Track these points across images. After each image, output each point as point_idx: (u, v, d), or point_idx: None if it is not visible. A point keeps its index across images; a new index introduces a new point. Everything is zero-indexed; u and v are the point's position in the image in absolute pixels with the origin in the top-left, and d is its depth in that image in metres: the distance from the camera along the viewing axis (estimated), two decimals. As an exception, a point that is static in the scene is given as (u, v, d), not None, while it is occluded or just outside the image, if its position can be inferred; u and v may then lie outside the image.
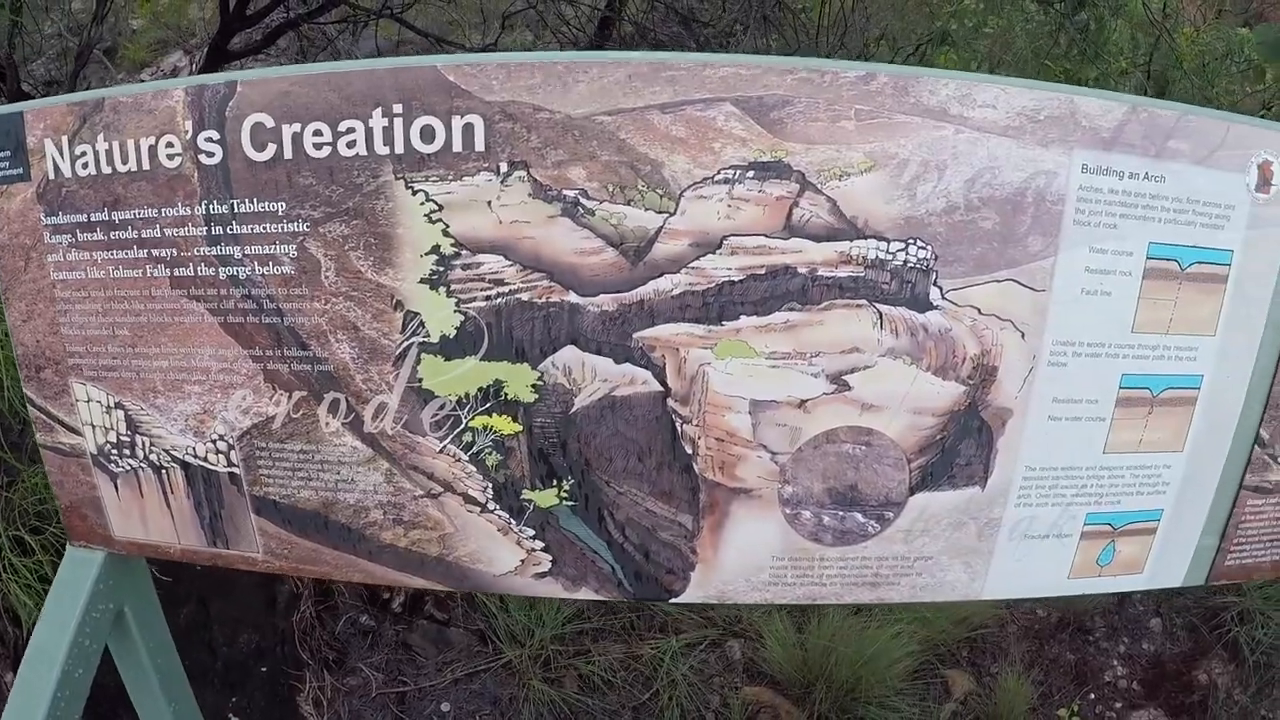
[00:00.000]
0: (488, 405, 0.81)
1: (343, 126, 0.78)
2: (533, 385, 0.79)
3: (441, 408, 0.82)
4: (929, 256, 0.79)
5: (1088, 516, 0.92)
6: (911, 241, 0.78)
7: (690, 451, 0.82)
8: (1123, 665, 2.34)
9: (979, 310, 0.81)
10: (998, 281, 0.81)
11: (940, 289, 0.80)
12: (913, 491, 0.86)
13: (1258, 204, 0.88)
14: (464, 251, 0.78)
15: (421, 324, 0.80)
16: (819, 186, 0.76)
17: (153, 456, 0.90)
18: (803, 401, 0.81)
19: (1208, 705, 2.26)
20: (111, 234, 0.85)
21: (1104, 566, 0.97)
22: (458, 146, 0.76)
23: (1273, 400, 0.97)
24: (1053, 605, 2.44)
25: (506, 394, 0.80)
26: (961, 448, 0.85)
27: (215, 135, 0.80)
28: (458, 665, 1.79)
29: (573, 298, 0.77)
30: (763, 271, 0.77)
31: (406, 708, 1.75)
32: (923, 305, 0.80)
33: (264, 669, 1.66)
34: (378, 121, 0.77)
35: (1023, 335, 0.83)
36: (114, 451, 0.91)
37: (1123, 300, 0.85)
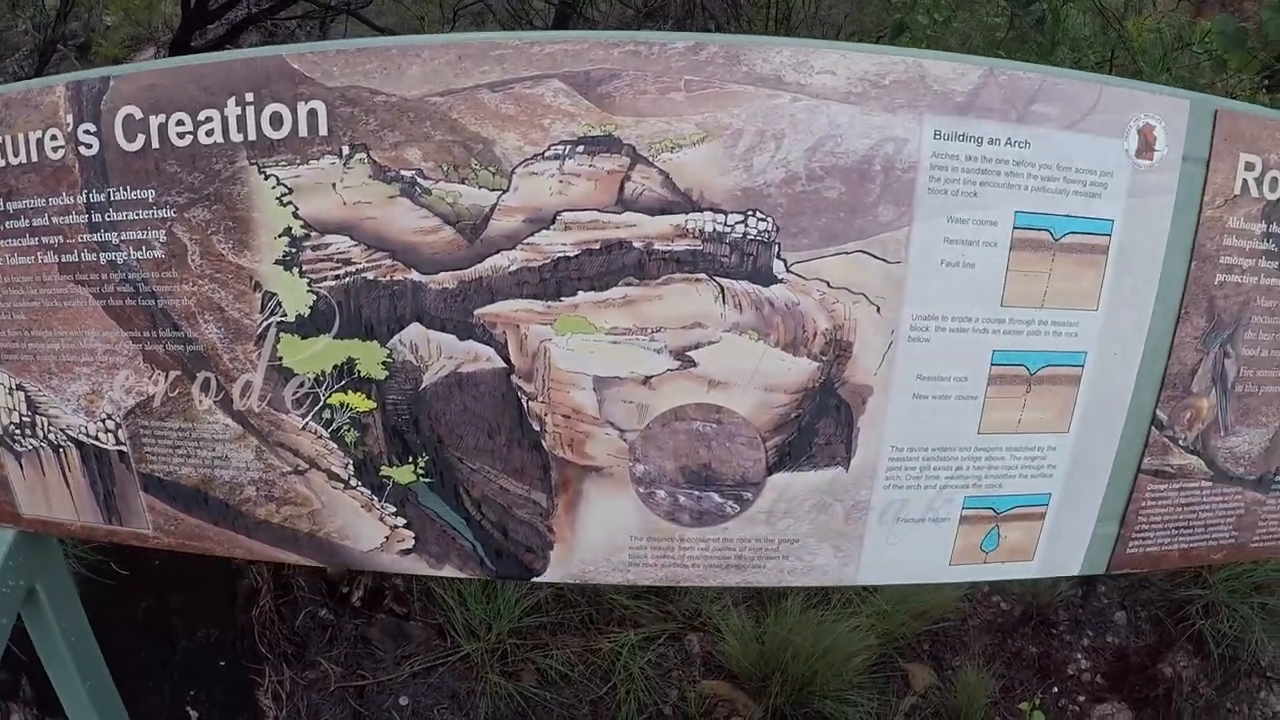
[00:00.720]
0: (343, 383, 0.83)
1: (202, 116, 0.81)
2: (383, 363, 0.81)
3: (301, 385, 0.84)
4: (770, 228, 0.77)
5: (966, 500, 0.89)
6: (750, 213, 0.77)
7: (538, 429, 0.82)
8: (1086, 658, 2.31)
9: (828, 283, 0.80)
10: (847, 253, 0.79)
11: (784, 262, 0.78)
12: (770, 471, 0.85)
13: (1139, 171, 0.84)
14: (313, 233, 0.80)
15: (279, 304, 0.83)
16: (650, 159, 0.75)
17: (51, 436, 0.94)
18: (647, 378, 0.80)
19: (1172, 698, 2.21)
20: (7, 223, 0.90)
21: (989, 553, 0.93)
22: (303, 131, 0.78)
23: (1170, 380, 0.93)
24: (1015, 598, 2.41)
25: (359, 371, 0.82)
26: (819, 426, 0.84)
27: (92, 127, 0.84)
28: (416, 659, 1.82)
29: (415, 276, 0.79)
30: (597, 246, 0.77)
31: (365, 701, 1.78)
32: (766, 279, 0.79)
33: (223, 663, 1.70)
34: (232, 110, 0.80)
35: (878, 309, 0.81)
36: (17, 431, 0.96)
37: (989, 272, 0.82)
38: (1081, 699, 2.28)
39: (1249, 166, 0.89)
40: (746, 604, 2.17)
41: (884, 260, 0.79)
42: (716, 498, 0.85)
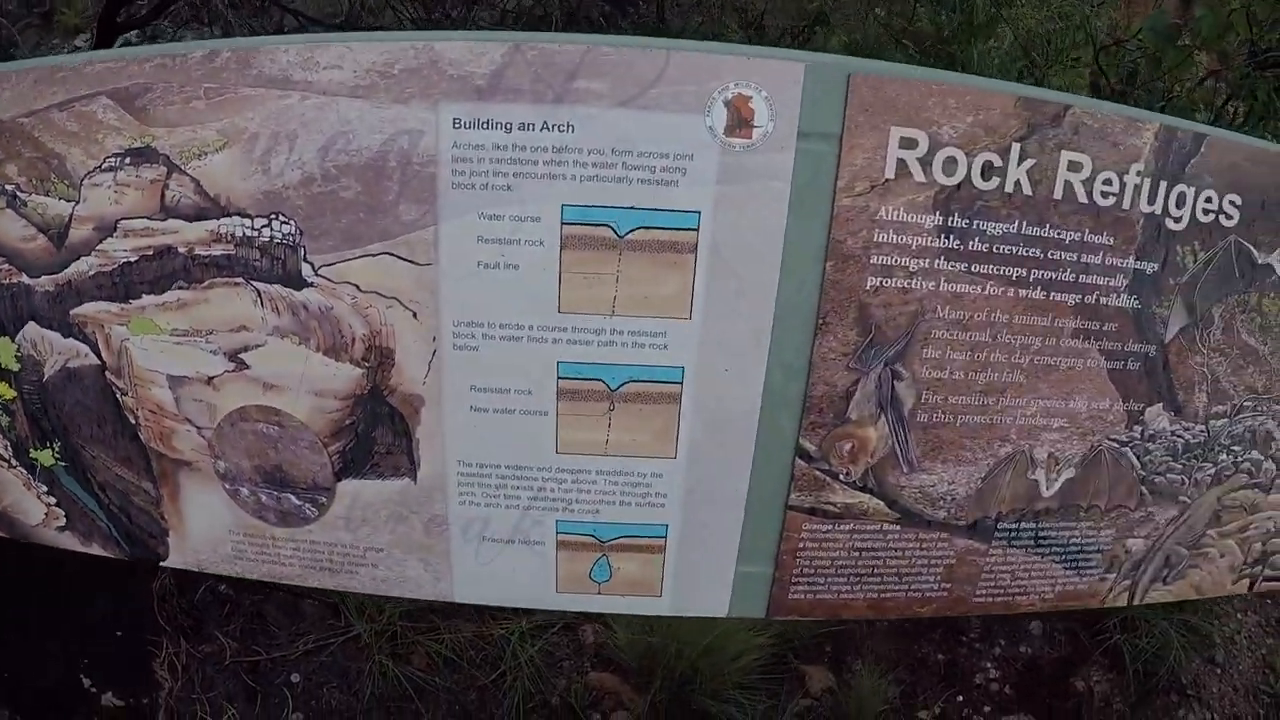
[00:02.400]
0: (-3, 373, 0.94)
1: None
2: (15, 355, 0.90)
3: (-22, 375, 0.96)
4: (293, 231, 0.76)
5: (559, 524, 0.81)
6: (274, 216, 0.76)
7: (134, 422, 0.87)
8: (996, 668, 2.22)
9: (358, 287, 0.76)
10: (372, 255, 0.75)
11: (312, 265, 0.76)
12: (338, 477, 0.83)
13: (732, 152, 0.71)
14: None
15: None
16: (182, 167, 0.77)
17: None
18: (210, 378, 0.82)
19: (1081, 713, 2.12)
20: None
21: (602, 583, 0.84)
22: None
23: (813, 404, 0.77)
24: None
25: (1, 363, 0.92)
26: (377, 435, 0.80)
27: None
28: (309, 637, 1.94)
29: (25, 279, 0.87)
30: (150, 252, 0.80)
31: (258, 676, 1.90)
32: (297, 282, 0.77)
33: (119, 633, 1.78)
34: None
35: (415, 314, 0.76)
36: None
37: (538, 275, 0.74)
38: (988, 709, 2.17)
39: (908, 143, 0.72)
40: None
41: (413, 262, 0.75)
42: (294, 499, 0.85)
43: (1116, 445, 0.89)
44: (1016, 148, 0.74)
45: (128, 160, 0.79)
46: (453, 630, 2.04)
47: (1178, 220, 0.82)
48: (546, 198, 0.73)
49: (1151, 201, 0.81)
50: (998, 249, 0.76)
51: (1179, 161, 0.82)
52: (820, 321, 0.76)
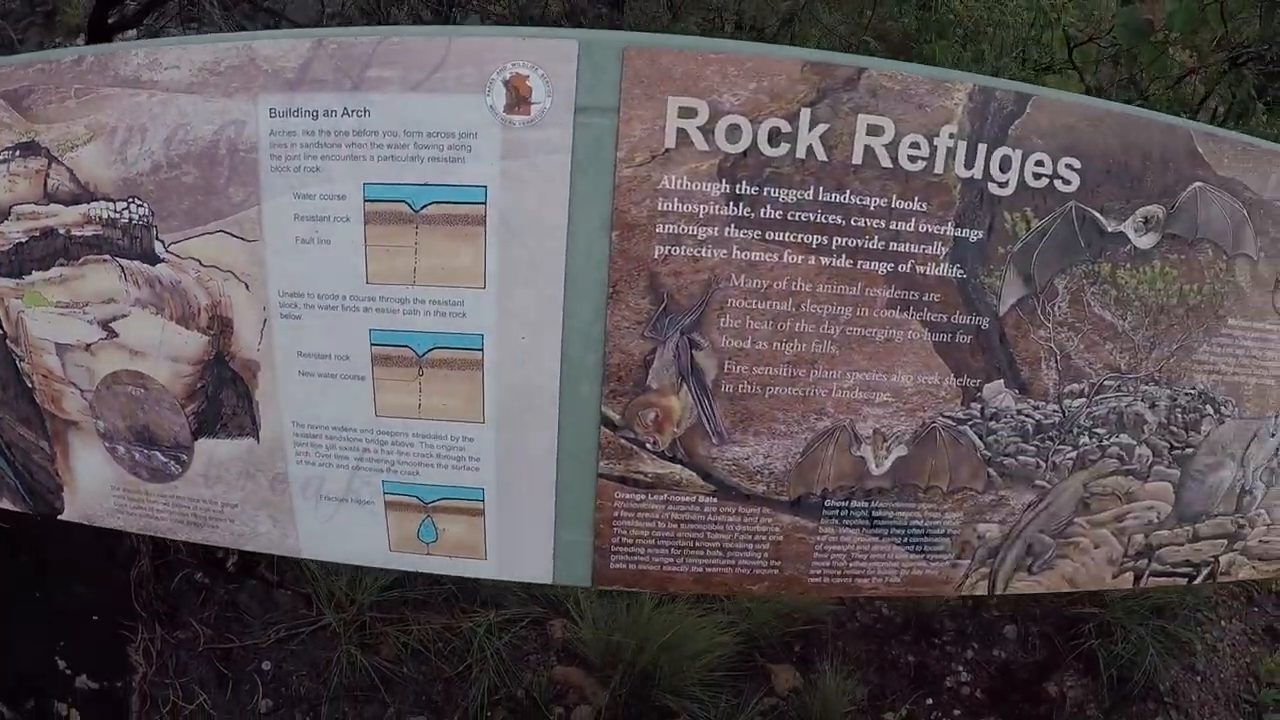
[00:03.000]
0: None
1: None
2: (-56, 329, 1.03)
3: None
4: (147, 213, 0.85)
5: (385, 485, 0.86)
6: (131, 200, 0.85)
7: (31, 386, 0.97)
8: (968, 671, 2.21)
9: (200, 262, 0.84)
10: (210, 233, 0.83)
11: (163, 243, 0.85)
12: (195, 436, 0.90)
13: (513, 129, 0.76)
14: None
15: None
16: (59, 158, 0.87)
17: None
18: (88, 345, 0.91)
19: (1053, 718, 2.08)
20: None
21: (430, 544, 0.88)
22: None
23: (612, 372, 0.79)
24: (898, 605, 2.32)
25: (-66, 336, 1.05)
26: (223, 397, 0.88)
27: None
28: (281, 626, 2.02)
29: (-51, 260, 1.00)
30: (39, 233, 0.90)
31: (231, 663, 1.98)
32: (151, 259, 0.86)
33: (96, 617, 1.81)
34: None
35: (247, 286, 0.83)
36: None
37: (347, 248, 0.81)
38: (957, 713, 2.13)
39: (687, 113, 0.75)
40: (616, 591, 2.14)
41: (243, 239, 0.82)
42: (161, 457, 0.93)
43: (952, 423, 0.87)
44: (806, 113, 0.76)
45: (17, 153, 0.90)
46: (421, 622, 2.11)
47: (1003, 185, 0.81)
48: (350, 177, 0.79)
49: (970, 165, 0.79)
50: (793, 216, 0.77)
51: (999, 123, 0.80)
52: (611, 290, 0.79)
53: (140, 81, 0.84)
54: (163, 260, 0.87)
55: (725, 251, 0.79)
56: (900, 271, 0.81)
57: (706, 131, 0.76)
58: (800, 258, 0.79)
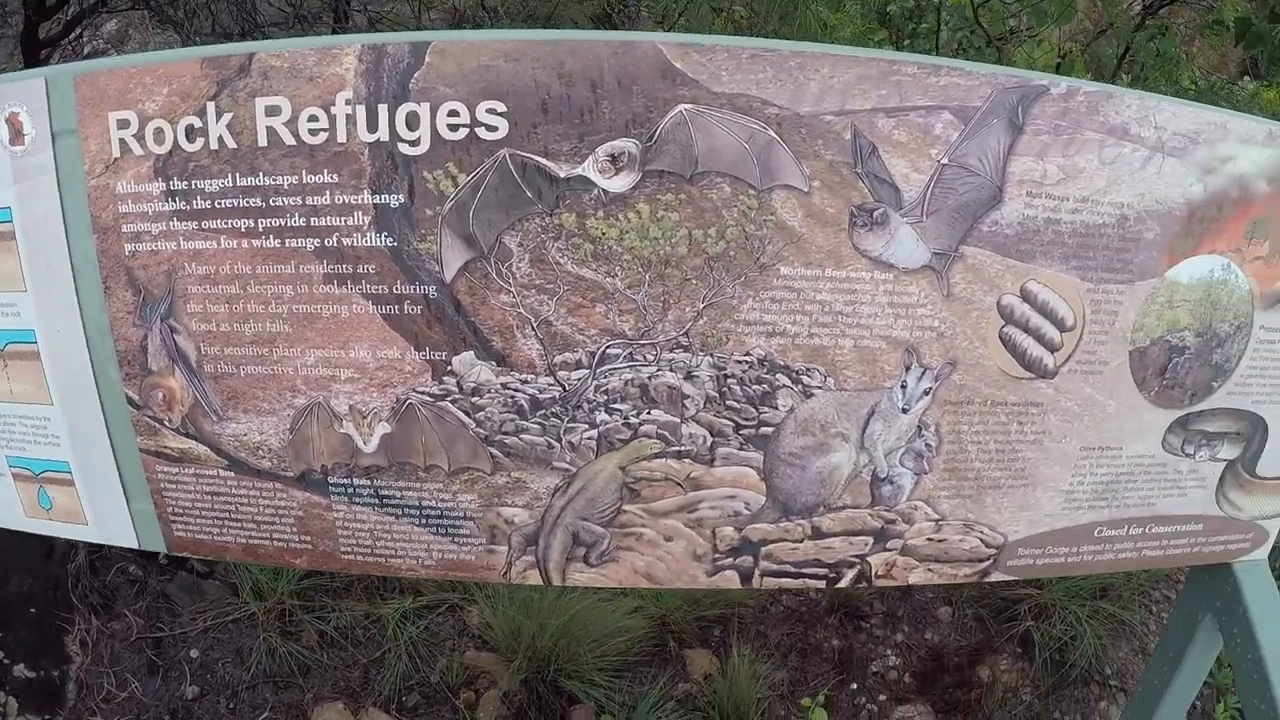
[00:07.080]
0: None
1: None
2: None
3: None
4: None
5: (9, 459, 1.02)
6: None
7: None
8: (897, 655, 2.15)
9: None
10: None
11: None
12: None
13: (17, 158, 0.88)
14: None
15: None
16: None
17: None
18: None
19: (983, 703, 2.04)
20: None
21: (49, 511, 1.03)
22: None
23: (124, 357, 0.88)
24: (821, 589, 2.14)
25: None
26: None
27: None
28: (208, 615, 2.15)
29: None
30: None
31: (161, 652, 2.10)
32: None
33: (33, 610, 1.87)
34: None
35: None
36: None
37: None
38: (883, 698, 2.08)
39: (123, 124, 0.83)
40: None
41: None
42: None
43: (429, 399, 0.84)
44: (211, 106, 0.80)
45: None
46: (341, 610, 2.28)
47: (414, 144, 0.77)
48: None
49: (373, 129, 0.77)
50: (219, 204, 0.82)
51: (398, 80, 0.77)
52: (105, 286, 0.89)
53: None
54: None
55: (174, 244, 0.86)
56: (329, 246, 0.81)
57: (139, 138, 0.84)
58: (235, 242, 0.83)
